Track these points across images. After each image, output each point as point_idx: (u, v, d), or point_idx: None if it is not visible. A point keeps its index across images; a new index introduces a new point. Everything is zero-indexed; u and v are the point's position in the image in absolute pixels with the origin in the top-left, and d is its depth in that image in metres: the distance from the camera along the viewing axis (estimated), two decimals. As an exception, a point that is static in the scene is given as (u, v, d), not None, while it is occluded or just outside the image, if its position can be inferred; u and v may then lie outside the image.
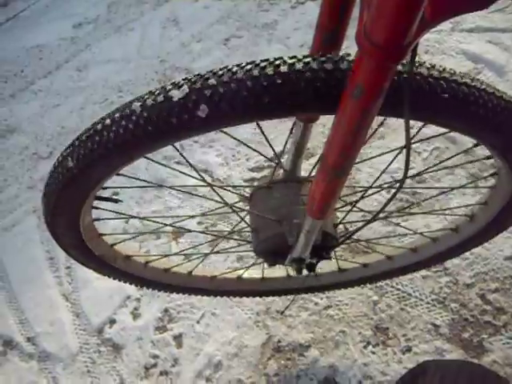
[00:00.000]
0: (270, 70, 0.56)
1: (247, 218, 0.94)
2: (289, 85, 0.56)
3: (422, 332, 1.30)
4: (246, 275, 1.21)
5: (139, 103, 0.59)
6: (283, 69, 0.56)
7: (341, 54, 0.60)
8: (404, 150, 0.61)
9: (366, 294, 1.37)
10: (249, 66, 0.58)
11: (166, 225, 1.08)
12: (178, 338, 1.40)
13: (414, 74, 0.58)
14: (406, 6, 0.42)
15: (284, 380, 1.28)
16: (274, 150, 0.80)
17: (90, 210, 0.82)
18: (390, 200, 0.71)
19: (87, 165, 0.65)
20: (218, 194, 0.88)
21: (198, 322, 1.41)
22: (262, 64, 0.57)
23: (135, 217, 0.98)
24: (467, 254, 1.39)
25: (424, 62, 0.61)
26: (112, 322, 1.47)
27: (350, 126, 0.56)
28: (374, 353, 1.29)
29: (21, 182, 1.96)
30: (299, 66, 0.56)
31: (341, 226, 1.44)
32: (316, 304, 1.38)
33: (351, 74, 0.52)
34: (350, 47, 0.58)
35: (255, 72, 0.56)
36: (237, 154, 1.81)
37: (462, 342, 1.27)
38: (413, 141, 0.67)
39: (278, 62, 0.57)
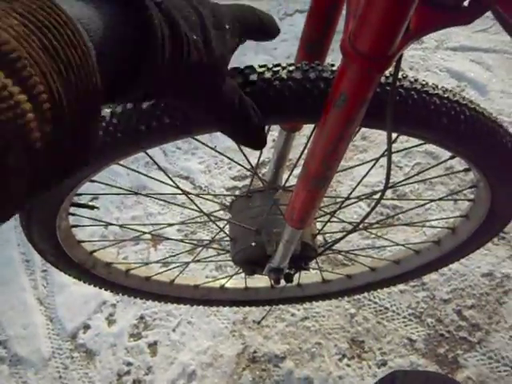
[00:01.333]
0: (253, 77, 0.56)
1: (227, 227, 0.93)
2: (271, 93, 0.56)
3: (398, 346, 1.30)
4: (228, 284, 1.20)
5: (109, 110, 0.59)
6: (267, 75, 0.56)
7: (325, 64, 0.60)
8: (381, 161, 0.61)
9: (344, 307, 1.37)
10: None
11: (145, 233, 1.06)
12: (152, 346, 1.38)
13: (397, 86, 0.59)
14: (392, 17, 0.42)
15: (258, 391, 1.27)
16: (247, 159, 0.79)
17: (66, 217, 0.81)
18: (371, 210, 0.71)
19: None
20: (195, 203, 0.88)
21: (173, 330, 1.39)
22: (246, 71, 0.57)
23: (113, 224, 0.97)
24: (445, 269, 1.40)
25: (407, 76, 0.62)
26: (86, 327, 1.45)
27: (332, 136, 0.55)
28: (349, 365, 1.29)
29: (-1, 183, 1.93)
30: (283, 74, 0.56)
31: (320, 238, 1.45)
32: (293, 315, 1.37)
33: (335, 83, 0.52)
34: (334, 60, 0.58)
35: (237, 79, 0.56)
36: (219, 162, 1.80)
37: (437, 358, 1.27)
38: (393, 151, 0.68)
39: (261, 70, 0.57)
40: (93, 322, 1.45)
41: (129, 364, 1.36)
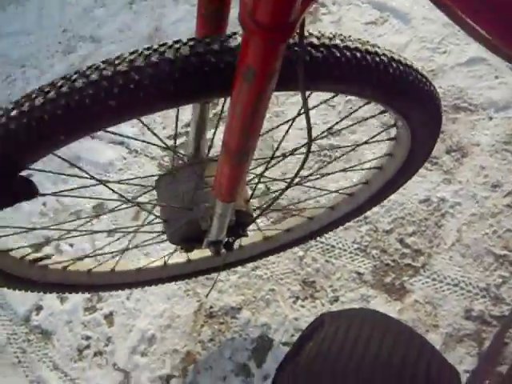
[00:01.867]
0: (154, 58, 0.53)
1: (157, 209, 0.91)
2: (176, 72, 0.53)
3: (347, 281, 1.34)
4: (171, 261, 1.18)
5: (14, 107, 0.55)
6: (168, 55, 0.53)
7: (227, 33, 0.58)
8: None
9: (292, 251, 1.40)
10: (132, 56, 0.54)
11: (73, 230, 0.99)
12: (108, 317, 1.38)
13: (304, 48, 0.57)
14: None
15: (219, 344, 1.30)
16: (160, 139, 0.77)
17: None
18: (301, 167, 0.71)
19: None
20: (117, 192, 0.84)
21: (127, 299, 1.39)
22: (146, 52, 0.54)
23: (31, 229, 0.91)
24: (384, 201, 1.44)
25: (312, 33, 0.60)
26: (39, 308, 1.43)
27: (246, 110, 0.54)
28: (303, 306, 1.33)
29: None
30: (184, 51, 0.54)
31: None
32: (244, 266, 1.39)
33: (240, 57, 0.49)
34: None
35: (139, 62, 0.53)
36: (153, 123, 1.76)
37: (385, 287, 1.32)
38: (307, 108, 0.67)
39: (162, 49, 0.54)
40: (44, 302, 1.43)
41: (87, 338, 1.36)
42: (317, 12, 1.91)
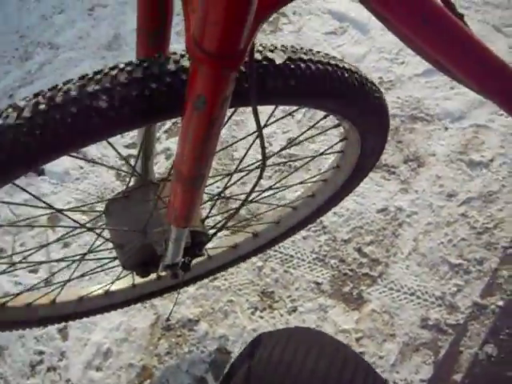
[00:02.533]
0: (93, 88, 0.52)
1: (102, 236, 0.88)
2: (131, 96, 0.52)
3: (306, 291, 1.34)
4: (114, 287, 1.14)
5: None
6: (122, 79, 0.52)
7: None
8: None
9: (251, 261, 1.39)
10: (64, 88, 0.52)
11: (16, 262, 0.93)
12: (62, 331, 1.35)
13: (255, 70, 0.56)
14: (235, 10, 0.38)
15: (176, 357, 1.28)
16: (125, 159, 0.75)
17: None
18: (256, 183, 0.70)
19: None
20: (71, 218, 0.81)
21: (82, 312, 1.36)
22: (79, 83, 0.53)
23: None
24: (343, 210, 1.45)
25: (265, 46, 0.59)
26: (-10, 323, 1.38)
27: (198, 137, 0.52)
28: (261, 317, 1.32)
29: None
30: (122, 78, 0.52)
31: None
32: (202, 277, 1.37)
33: (189, 85, 0.48)
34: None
35: (75, 93, 0.52)
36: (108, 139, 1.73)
37: (343, 296, 1.33)
38: (264, 124, 0.66)
39: (98, 77, 0.53)
40: (-4, 317, 1.38)
41: (40, 353, 1.32)
42: (277, 22, 1.91)
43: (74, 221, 0.81)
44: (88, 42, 2.02)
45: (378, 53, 1.75)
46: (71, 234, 0.92)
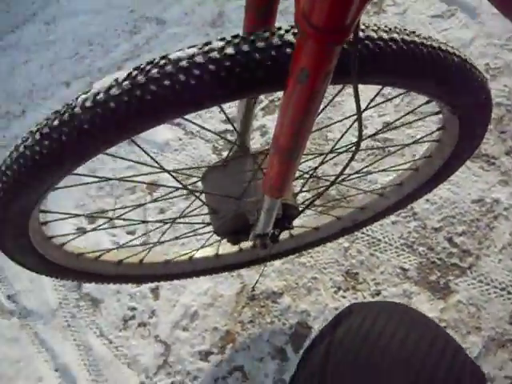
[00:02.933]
0: (214, 54, 0.54)
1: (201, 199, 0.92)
2: (237, 68, 0.54)
3: (391, 276, 1.33)
4: (199, 255, 1.19)
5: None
6: (229, 51, 0.54)
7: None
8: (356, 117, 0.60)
9: (337, 241, 1.40)
10: (191, 50, 0.55)
11: (111, 218, 0.98)
12: (154, 291, 1.43)
13: (358, 46, 0.57)
14: None
15: (258, 326, 1.32)
16: (235, 128, 0.78)
17: (38, 215, 0.79)
18: (347, 164, 0.71)
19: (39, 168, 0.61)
20: (174, 178, 0.85)
21: (173, 275, 1.44)
22: (205, 48, 0.55)
23: (80, 215, 0.95)
24: (436, 198, 1.42)
25: (369, 25, 0.60)
26: (90, 277, 1.49)
27: (299, 109, 0.54)
28: (344, 297, 1.33)
29: (-6, 142, 1.94)
30: (245, 47, 0.54)
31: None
32: (288, 253, 1.40)
33: (294, 58, 0.49)
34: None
35: (199, 59, 0.54)
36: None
37: (429, 285, 1.31)
38: (364, 107, 0.67)
39: (221, 44, 0.55)
40: (96, 272, 1.49)
41: (133, 309, 1.42)
42: (382, 3, 1.88)
43: (178, 181, 0.87)
44: (193, 19, 2.09)
45: (486, 38, 1.68)
46: (170, 195, 0.96)
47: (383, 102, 0.80)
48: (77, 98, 0.57)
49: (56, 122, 0.57)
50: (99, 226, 0.99)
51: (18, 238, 0.78)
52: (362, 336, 0.59)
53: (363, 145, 1.50)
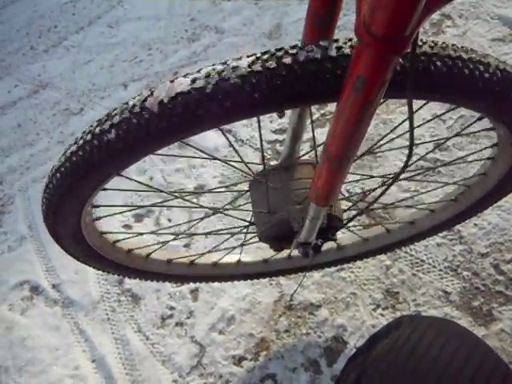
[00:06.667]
0: (272, 63, 0.55)
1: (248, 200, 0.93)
2: (293, 77, 0.55)
3: (432, 298, 1.31)
4: (245, 259, 1.21)
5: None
6: (286, 61, 0.55)
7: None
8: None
9: (379, 259, 1.39)
10: (251, 59, 0.56)
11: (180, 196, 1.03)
12: (194, 292, 1.45)
13: (416, 59, 0.57)
14: None
15: (293, 336, 1.32)
16: (238, 152, 0.78)
17: (90, 211, 0.82)
18: (386, 189, 0.71)
19: (88, 169, 0.63)
20: (238, 168, 0.87)
21: (213, 278, 1.45)
22: (264, 57, 0.56)
23: (135, 207, 0.98)
24: (484, 223, 1.39)
25: (426, 41, 0.60)
26: (132, 273, 1.53)
27: (352, 118, 0.54)
28: (382, 315, 1.32)
29: (51, 137, 2.02)
30: (302, 57, 0.55)
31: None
32: (329, 266, 1.40)
33: (351, 66, 0.50)
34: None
35: (257, 67, 0.55)
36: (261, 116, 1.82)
37: (472, 310, 1.28)
38: (416, 125, 0.67)
39: (280, 54, 0.56)
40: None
41: (172, 308, 1.44)
42: (441, 24, 1.87)
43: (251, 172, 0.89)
44: (251, 30, 2.12)
45: (547, 65, 1.64)
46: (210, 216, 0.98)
47: (434, 119, 0.80)
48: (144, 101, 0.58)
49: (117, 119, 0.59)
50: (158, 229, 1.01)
51: (73, 233, 0.81)
52: (410, 347, 0.59)
53: (412, 167, 1.49)
